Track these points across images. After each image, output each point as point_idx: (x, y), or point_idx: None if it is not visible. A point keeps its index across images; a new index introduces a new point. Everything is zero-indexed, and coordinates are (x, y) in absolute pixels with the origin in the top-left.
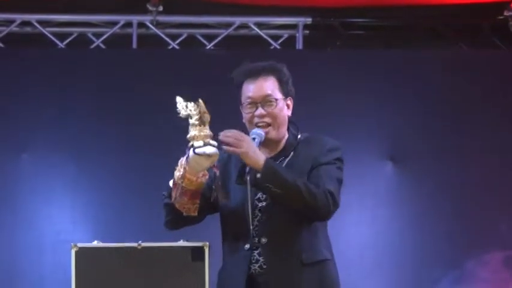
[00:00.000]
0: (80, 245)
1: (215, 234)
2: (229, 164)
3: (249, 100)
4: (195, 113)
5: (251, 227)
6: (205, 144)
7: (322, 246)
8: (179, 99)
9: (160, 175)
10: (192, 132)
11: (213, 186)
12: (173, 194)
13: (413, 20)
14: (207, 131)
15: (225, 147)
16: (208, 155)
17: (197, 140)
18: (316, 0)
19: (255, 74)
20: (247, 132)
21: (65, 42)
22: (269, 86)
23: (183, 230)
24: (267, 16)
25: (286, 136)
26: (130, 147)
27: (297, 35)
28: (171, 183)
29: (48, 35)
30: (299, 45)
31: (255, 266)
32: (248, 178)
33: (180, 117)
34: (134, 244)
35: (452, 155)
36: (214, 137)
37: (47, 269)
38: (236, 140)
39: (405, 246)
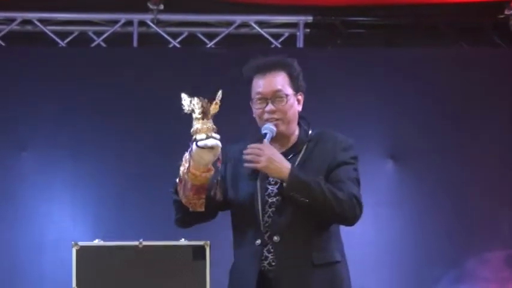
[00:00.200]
0: (81, 243)
1: (216, 233)
2: (242, 158)
3: (258, 96)
4: (197, 106)
5: (261, 223)
6: (207, 137)
7: (333, 246)
8: (184, 96)
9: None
10: (195, 125)
11: (214, 181)
12: (178, 190)
13: (414, 19)
14: (210, 124)
15: (246, 164)
16: (211, 147)
17: (199, 133)
18: None
19: (265, 69)
20: (257, 127)
21: (65, 41)
22: (279, 81)
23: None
24: (267, 15)
25: (297, 132)
26: (131, 145)
27: (298, 33)
28: (178, 179)
29: (49, 33)
30: (300, 43)
31: (264, 263)
32: (259, 173)
33: (183, 114)
34: (135, 243)
35: (453, 153)
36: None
37: (48, 267)
38: (254, 156)
39: (406, 244)
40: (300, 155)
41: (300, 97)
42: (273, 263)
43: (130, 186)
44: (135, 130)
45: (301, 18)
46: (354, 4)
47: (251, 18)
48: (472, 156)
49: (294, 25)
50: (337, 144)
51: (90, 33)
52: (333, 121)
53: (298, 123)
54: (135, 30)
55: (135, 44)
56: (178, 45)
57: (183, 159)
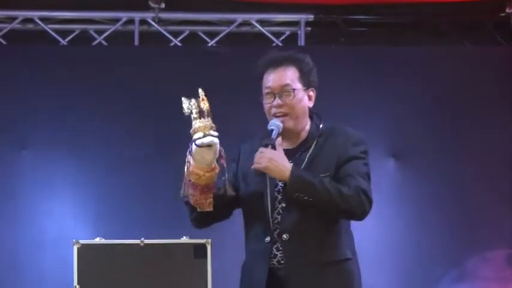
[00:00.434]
0: (82, 241)
1: (218, 231)
2: (253, 154)
3: (267, 90)
4: (193, 106)
5: (270, 220)
6: (204, 135)
7: (344, 244)
8: (184, 100)
9: (162, 172)
10: (194, 125)
11: (222, 179)
12: (182, 190)
13: (416, 17)
14: (207, 122)
15: (252, 166)
16: (208, 145)
17: (197, 132)
18: None
19: (276, 64)
20: (267, 122)
21: (67, 39)
22: (288, 76)
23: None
24: (269, 13)
25: (308, 127)
26: (132, 143)
27: (299, 32)
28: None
29: (50, 32)
30: (301, 42)
31: (273, 260)
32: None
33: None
34: (137, 241)
35: (454, 152)
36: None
37: (48, 265)
38: (257, 158)
39: (407, 243)
40: (309, 152)
41: (311, 93)
42: (282, 261)
43: (131, 184)
44: (136, 128)
45: (302, 17)
46: (355, 2)
47: (252, 17)
48: (473, 155)
49: (296, 23)
50: (348, 139)
51: (91, 32)
52: (334, 119)
53: (311, 119)
54: (136, 28)
55: (136, 42)
56: (179, 44)
57: (186, 160)
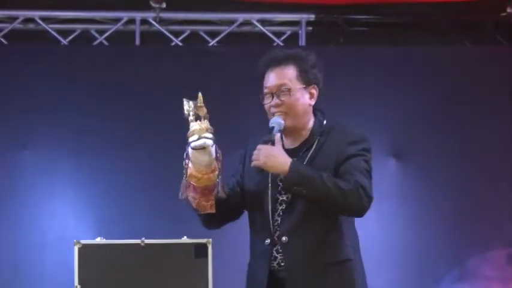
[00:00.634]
0: (83, 241)
1: (219, 231)
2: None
3: (265, 90)
4: (190, 109)
5: (271, 221)
6: (199, 138)
7: (346, 244)
8: (185, 101)
9: (163, 171)
10: (190, 128)
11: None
12: (180, 193)
13: (417, 17)
14: (203, 124)
15: (251, 164)
16: (202, 147)
17: (193, 135)
18: None
19: (275, 63)
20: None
21: (68, 39)
22: (286, 75)
23: (186, 227)
24: (270, 13)
25: (310, 125)
26: (133, 143)
27: (300, 31)
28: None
29: (51, 31)
30: (302, 41)
31: (273, 263)
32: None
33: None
34: (137, 241)
35: (455, 151)
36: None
37: (49, 265)
38: (255, 155)
39: (408, 243)
40: (311, 151)
41: (313, 90)
42: (282, 264)
43: (132, 184)
44: (137, 128)
45: (303, 17)
46: (356, 2)
47: (253, 17)
48: (474, 154)
49: (296, 23)
50: (346, 137)
51: (92, 32)
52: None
53: (315, 116)
54: (137, 28)
55: (137, 42)
56: (180, 44)
57: (183, 163)
